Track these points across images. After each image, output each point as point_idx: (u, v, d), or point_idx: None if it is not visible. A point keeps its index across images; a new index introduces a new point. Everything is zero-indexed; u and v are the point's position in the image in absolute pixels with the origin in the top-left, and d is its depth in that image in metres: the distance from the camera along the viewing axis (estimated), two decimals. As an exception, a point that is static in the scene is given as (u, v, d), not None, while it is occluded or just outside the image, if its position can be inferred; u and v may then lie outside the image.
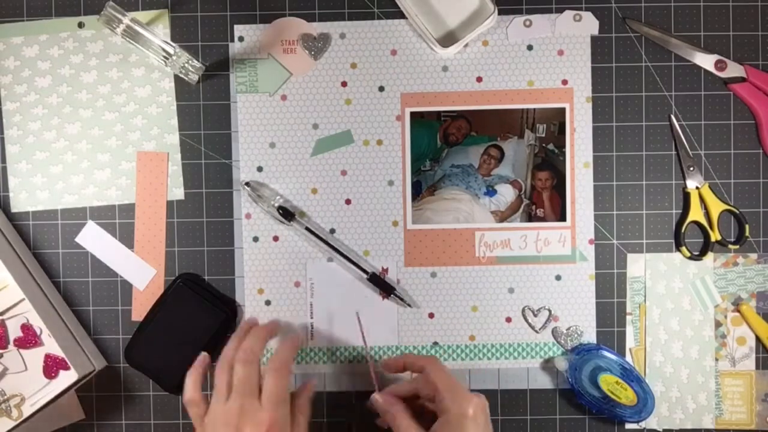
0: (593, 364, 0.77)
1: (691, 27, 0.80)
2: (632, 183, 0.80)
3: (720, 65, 0.79)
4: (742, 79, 0.79)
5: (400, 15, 0.80)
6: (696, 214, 0.79)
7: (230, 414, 0.64)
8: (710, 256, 0.79)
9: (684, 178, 0.79)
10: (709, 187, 0.79)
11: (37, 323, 0.75)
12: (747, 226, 0.79)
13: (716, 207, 0.79)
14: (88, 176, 0.80)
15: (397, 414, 0.68)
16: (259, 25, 0.80)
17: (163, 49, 0.73)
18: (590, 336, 0.80)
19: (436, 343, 0.80)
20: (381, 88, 0.80)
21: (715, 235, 0.79)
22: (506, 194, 0.80)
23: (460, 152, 0.80)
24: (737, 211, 0.79)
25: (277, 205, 0.79)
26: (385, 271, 0.80)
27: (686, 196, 0.79)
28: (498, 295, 0.80)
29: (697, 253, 0.79)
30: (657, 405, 0.79)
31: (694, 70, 0.80)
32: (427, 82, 0.80)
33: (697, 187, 0.79)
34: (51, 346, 0.75)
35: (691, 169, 0.78)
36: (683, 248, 0.79)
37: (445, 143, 0.80)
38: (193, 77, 0.78)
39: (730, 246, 0.79)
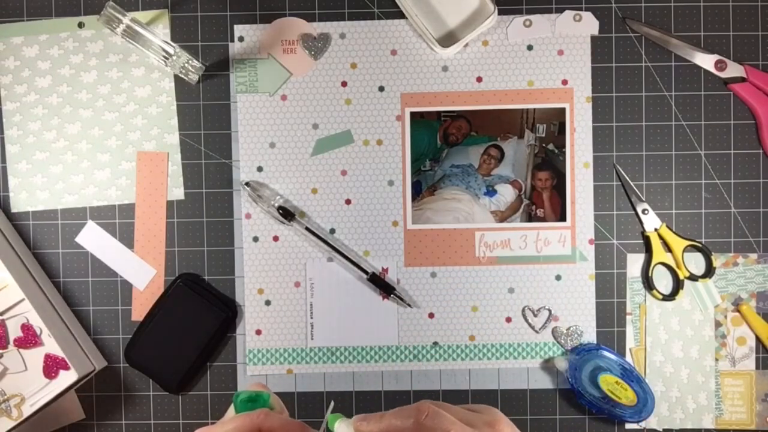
0: (593, 364, 0.77)
1: (691, 27, 0.80)
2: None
3: (720, 65, 0.79)
4: (742, 79, 0.79)
5: (400, 15, 0.80)
6: (660, 255, 0.78)
7: None
8: (701, 265, 0.79)
9: (641, 224, 0.79)
10: (667, 226, 0.78)
11: (37, 323, 0.75)
12: (713, 258, 0.78)
13: (678, 244, 0.78)
14: (88, 176, 0.80)
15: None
16: (259, 25, 0.80)
17: (163, 49, 0.73)
18: (590, 336, 0.80)
19: (436, 343, 0.80)
20: (381, 88, 0.80)
21: (683, 273, 0.78)
22: (506, 194, 0.80)
23: (460, 152, 0.80)
24: (700, 245, 0.78)
25: (277, 205, 0.79)
26: (385, 271, 0.80)
27: (647, 240, 0.79)
28: (498, 295, 0.80)
29: (668, 293, 0.79)
30: (657, 405, 0.79)
31: (694, 70, 0.80)
32: (427, 82, 0.80)
33: (655, 229, 0.78)
34: (51, 346, 0.75)
35: (645, 212, 0.78)
36: (654, 291, 0.78)
37: (445, 143, 0.80)
38: (193, 77, 0.78)
39: (700, 280, 0.79)
